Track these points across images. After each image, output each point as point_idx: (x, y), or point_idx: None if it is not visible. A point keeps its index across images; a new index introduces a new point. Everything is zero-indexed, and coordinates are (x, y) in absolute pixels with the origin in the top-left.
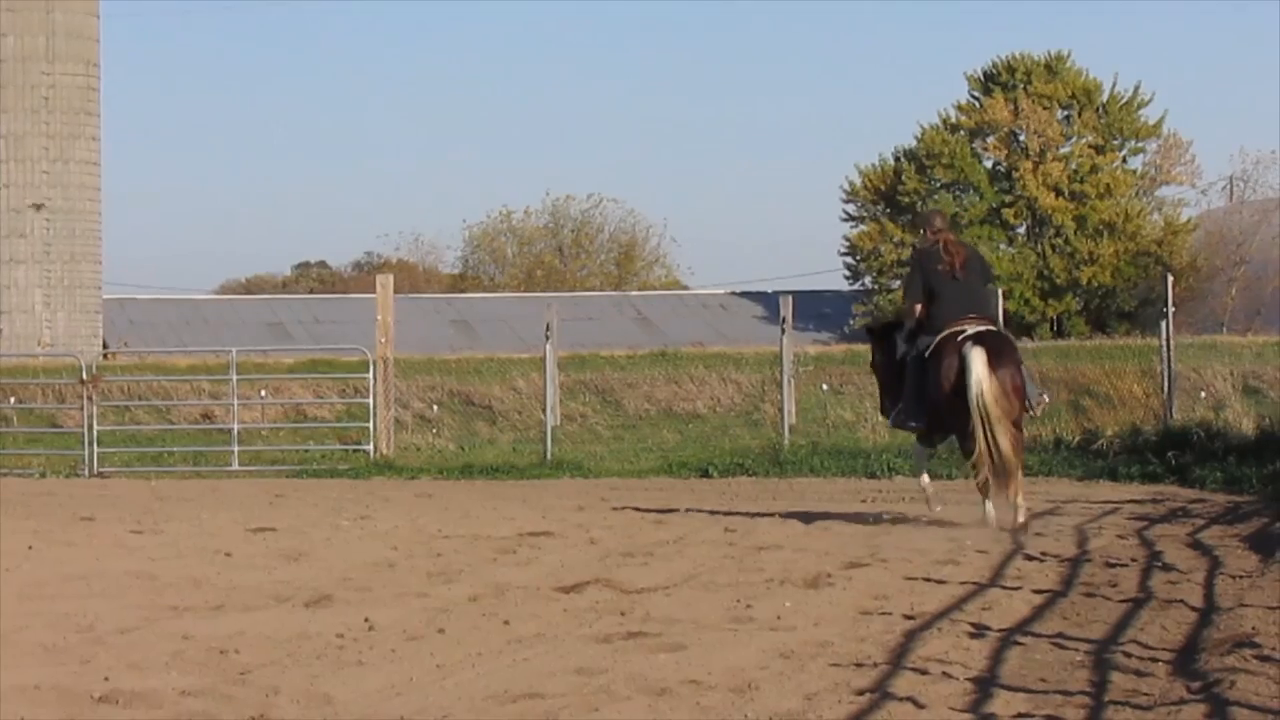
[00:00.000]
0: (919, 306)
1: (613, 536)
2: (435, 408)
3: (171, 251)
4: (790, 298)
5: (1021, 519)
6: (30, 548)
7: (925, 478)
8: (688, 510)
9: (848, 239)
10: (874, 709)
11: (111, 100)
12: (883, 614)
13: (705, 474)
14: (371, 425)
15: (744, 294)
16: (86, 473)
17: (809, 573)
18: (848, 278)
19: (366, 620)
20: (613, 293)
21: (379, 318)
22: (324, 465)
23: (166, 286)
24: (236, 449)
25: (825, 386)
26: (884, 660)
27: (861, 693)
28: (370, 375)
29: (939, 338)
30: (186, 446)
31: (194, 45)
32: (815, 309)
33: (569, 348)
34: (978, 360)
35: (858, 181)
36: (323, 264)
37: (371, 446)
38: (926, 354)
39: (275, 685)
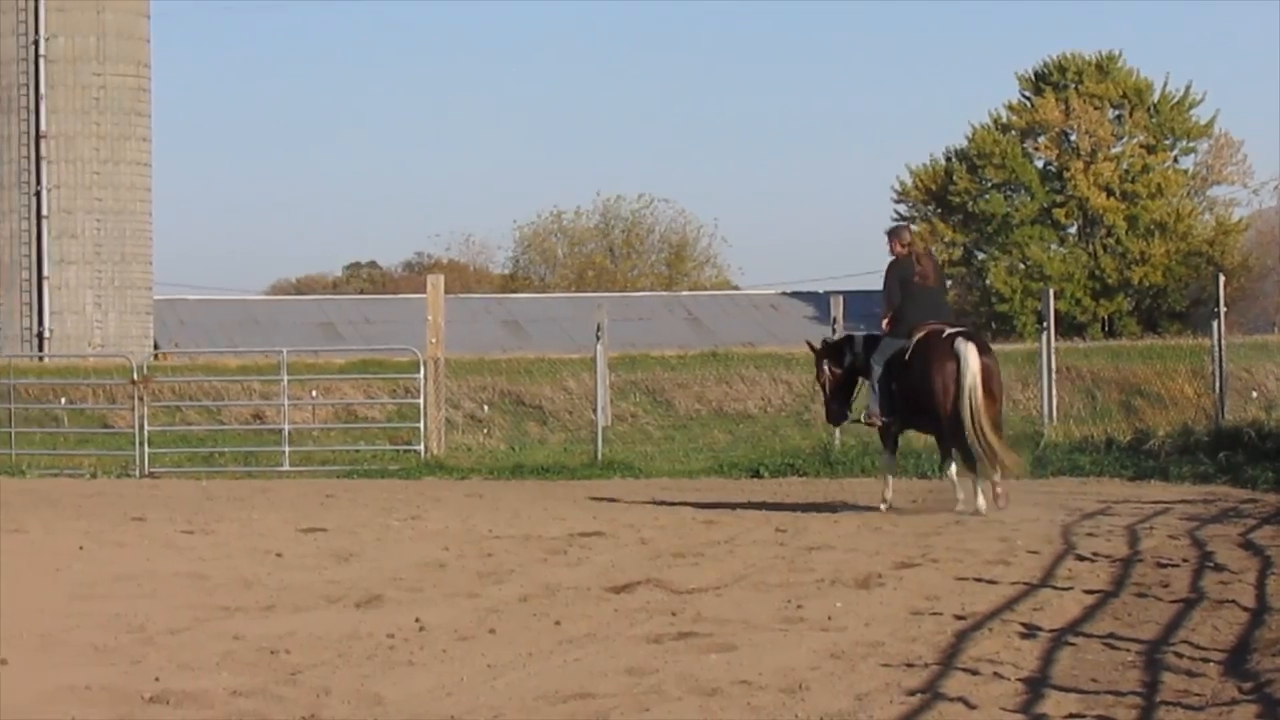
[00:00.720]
0: (895, 310)
1: (664, 537)
2: (486, 408)
3: (222, 252)
4: (841, 298)
5: (1001, 504)
6: (81, 548)
7: (890, 478)
8: (738, 510)
9: None
10: (925, 709)
11: (162, 100)
12: (934, 614)
13: (756, 474)
14: (422, 425)
15: (795, 294)
16: (137, 473)
17: (860, 573)
18: None
19: (417, 620)
20: (663, 293)
21: (430, 318)
22: (375, 465)
23: (217, 287)
24: (287, 449)
25: None
26: (935, 660)
27: (913, 693)
28: (421, 375)
29: (917, 339)
30: (237, 447)
31: (245, 45)
32: (866, 309)
33: (620, 348)
34: (971, 354)
35: (909, 181)
36: (373, 264)
37: (422, 447)
38: (907, 355)
39: (326, 685)
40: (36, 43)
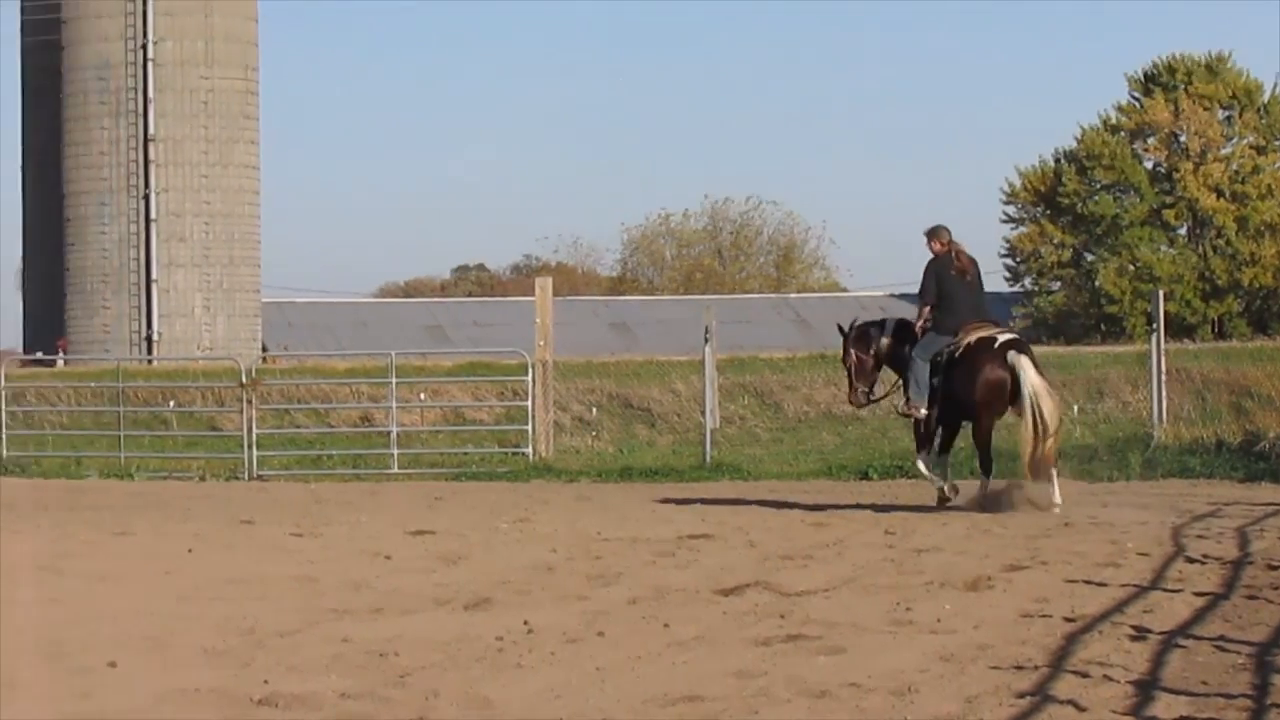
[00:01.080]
0: (930, 307)
1: (772, 539)
2: (594, 410)
3: (330, 255)
4: None
5: (1058, 500)
6: (190, 551)
7: (941, 480)
8: (847, 512)
9: (1007, 240)
10: (1034, 712)
11: (270, 102)
12: (1043, 617)
13: (865, 476)
14: (530, 428)
15: (903, 295)
16: (246, 476)
17: (969, 575)
18: (1007, 279)
19: (526, 623)
20: (771, 295)
21: (538, 320)
22: (483, 468)
23: (325, 290)
24: (395, 452)
25: None
26: (1045, 663)
27: (1022, 696)
28: (529, 378)
29: (966, 343)
30: (345, 450)
31: (352, 46)
32: None
33: (728, 350)
34: (1029, 369)
35: (1017, 183)
36: (481, 267)
37: (530, 449)
38: (956, 354)
39: (434, 688)
40: (145, 47)
